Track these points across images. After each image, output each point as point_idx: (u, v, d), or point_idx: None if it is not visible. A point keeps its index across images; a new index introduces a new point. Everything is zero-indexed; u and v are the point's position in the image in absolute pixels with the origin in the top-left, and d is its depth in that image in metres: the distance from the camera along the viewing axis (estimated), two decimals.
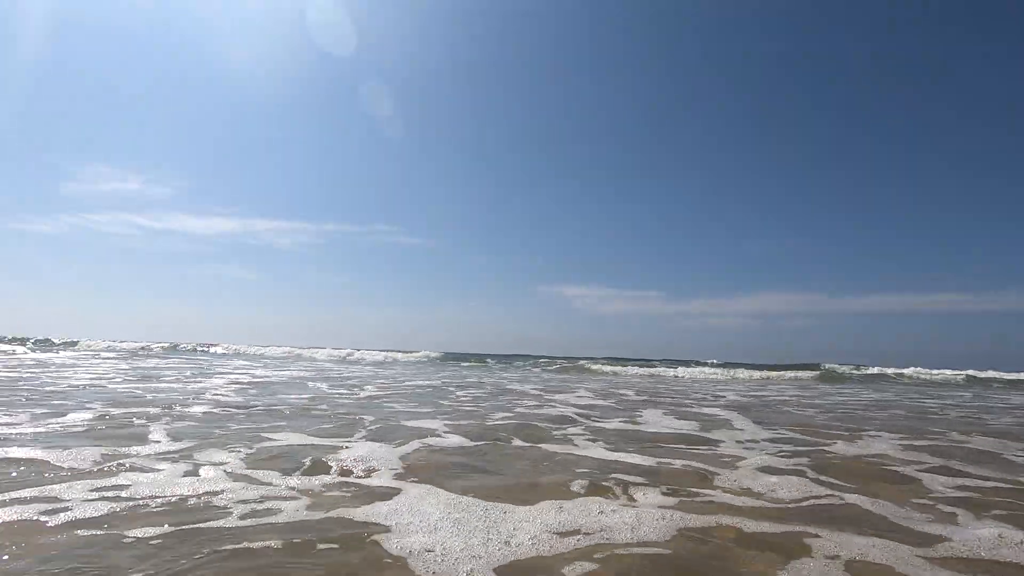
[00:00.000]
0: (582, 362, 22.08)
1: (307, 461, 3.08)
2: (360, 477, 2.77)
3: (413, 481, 2.68)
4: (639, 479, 2.86)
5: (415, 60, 37.84)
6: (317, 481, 2.65)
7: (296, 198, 44.89)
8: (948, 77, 33.39)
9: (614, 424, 5.02)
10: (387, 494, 2.46)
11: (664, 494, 2.58)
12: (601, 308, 42.13)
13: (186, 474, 2.70)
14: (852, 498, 2.61)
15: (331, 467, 2.97)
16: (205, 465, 2.91)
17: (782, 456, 3.66)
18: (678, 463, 3.31)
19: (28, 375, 9.00)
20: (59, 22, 33.34)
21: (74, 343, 32.17)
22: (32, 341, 32.50)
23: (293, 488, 2.51)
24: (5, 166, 39.58)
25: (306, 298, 47.42)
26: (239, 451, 3.31)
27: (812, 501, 2.57)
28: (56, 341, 33.19)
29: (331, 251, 44.61)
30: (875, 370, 19.97)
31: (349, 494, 2.44)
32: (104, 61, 38.48)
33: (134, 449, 3.30)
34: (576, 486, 2.67)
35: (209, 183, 44.22)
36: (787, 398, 9.47)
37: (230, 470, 2.80)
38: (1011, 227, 32.40)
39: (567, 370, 19.93)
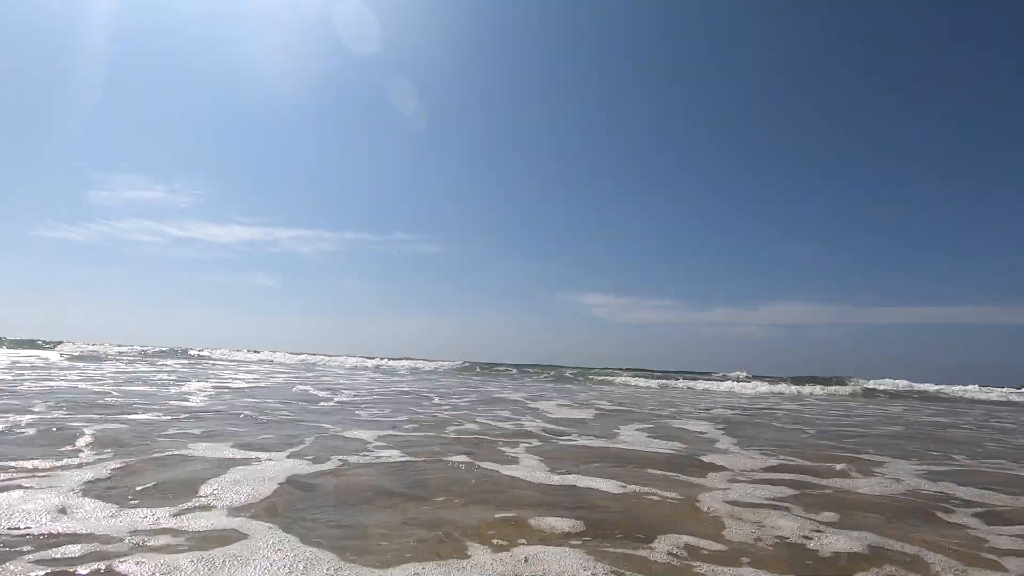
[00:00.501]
0: (599, 375, 21.15)
1: (183, 485, 2.53)
2: (215, 511, 2.19)
3: (268, 523, 2.09)
4: (568, 519, 2.24)
5: (435, 66, 37.72)
6: (156, 516, 2.10)
7: (316, 206, 44.93)
8: (978, 87, 31.84)
9: (582, 442, 4.38)
10: (214, 544, 1.89)
11: (594, 541, 1.96)
12: (621, 317, 41.01)
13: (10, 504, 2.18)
14: (869, 557, 1.96)
15: (201, 494, 2.41)
16: (61, 487, 2.40)
17: (779, 496, 2.99)
18: (634, 497, 2.68)
19: (13, 378, 8.80)
20: (97, 30, 33.92)
21: (54, 344, 31.90)
22: (41, 342, 32.75)
23: (110, 531, 1.96)
24: (34, 174, 40.33)
25: (327, 306, 47.23)
26: (128, 466, 2.81)
27: (810, 564, 1.91)
28: (65, 344, 33.22)
29: (351, 259, 44.47)
30: (903, 384, 18.52)
31: (171, 543, 1.88)
32: (127, 69, 39.05)
33: (25, 463, 2.82)
34: (480, 529, 2.06)
35: (231, 191, 44.54)
36: (800, 414, 8.69)
37: (67, 500, 2.26)
38: None
39: (573, 380, 19.23)
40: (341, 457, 3.27)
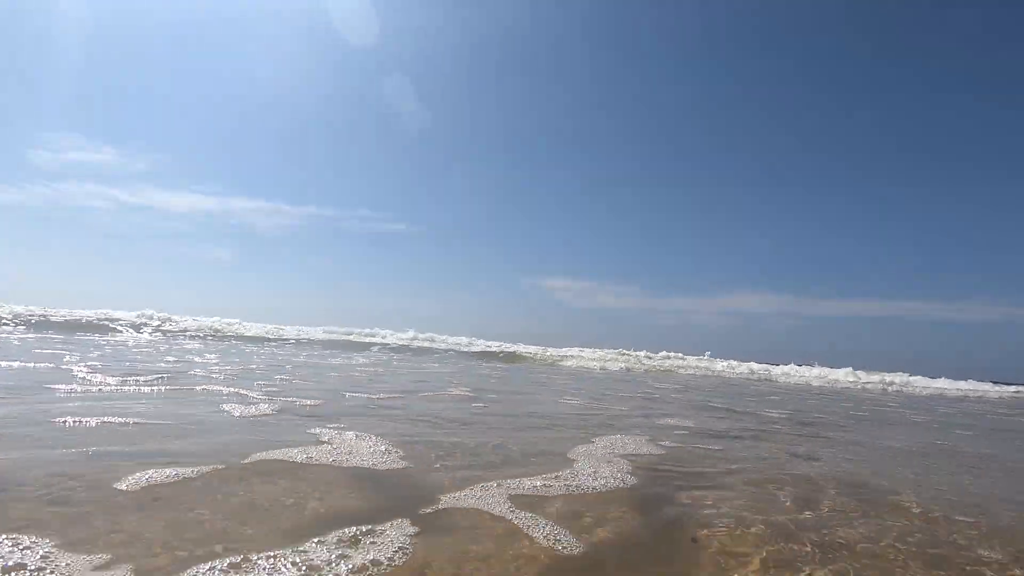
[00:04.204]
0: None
1: None
2: None
3: None
4: None
5: (417, 53, 36.98)
6: None
7: (276, 179, 43.28)
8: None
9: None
10: None
11: None
12: (582, 301, 40.85)
13: None
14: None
15: None
16: None
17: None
18: None
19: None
20: None
21: None
22: None
23: None
24: None
25: (283, 281, 45.37)
26: None
27: None
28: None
29: (312, 235, 42.69)
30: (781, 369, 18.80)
31: None
32: (89, 31, 36.62)
33: None
34: None
35: (188, 158, 42.43)
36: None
37: None
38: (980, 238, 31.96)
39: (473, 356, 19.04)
40: None
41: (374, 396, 4.80)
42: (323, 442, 2.57)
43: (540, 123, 40.01)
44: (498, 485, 2.04)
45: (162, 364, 6.55)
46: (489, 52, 37.87)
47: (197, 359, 7.76)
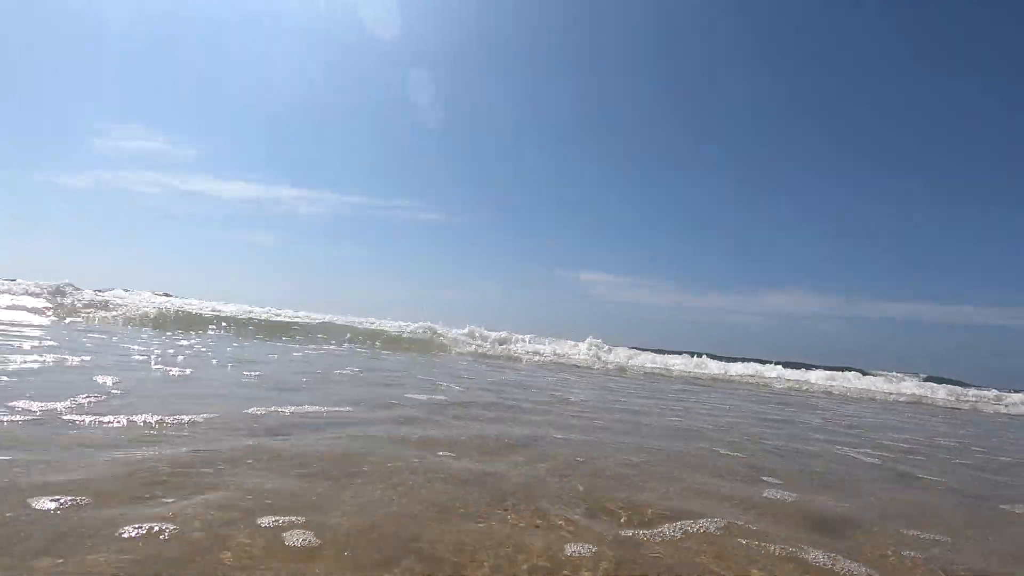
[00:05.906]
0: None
1: None
2: None
3: None
4: None
5: (449, 47, 36.70)
6: None
7: (320, 168, 43.34)
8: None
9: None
10: None
11: None
12: (615, 295, 39.22)
13: None
14: None
15: None
16: None
17: None
18: None
19: None
20: None
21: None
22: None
23: None
24: (38, 118, 38.15)
25: (321, 267, 44.79)
26: None
27: None
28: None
29: (350, 222, 42.47)
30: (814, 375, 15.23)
31: None
32: (142, 22, 37.53)
33: None
34: None
35: (238, 147, 43.08)
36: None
37: None
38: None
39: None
40: None
41: None
42: None
43: (575, 116, 38.42)
44: None
45: None
46: (523, 45, 36.70)
47: None
